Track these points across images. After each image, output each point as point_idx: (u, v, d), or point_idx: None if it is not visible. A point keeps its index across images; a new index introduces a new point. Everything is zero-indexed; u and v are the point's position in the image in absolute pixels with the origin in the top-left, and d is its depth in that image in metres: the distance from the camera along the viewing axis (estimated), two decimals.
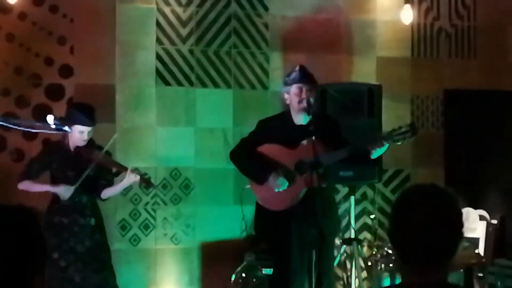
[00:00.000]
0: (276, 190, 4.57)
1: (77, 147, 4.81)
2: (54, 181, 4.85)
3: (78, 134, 4.76)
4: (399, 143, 4.43)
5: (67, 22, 5.95)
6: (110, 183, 4.94)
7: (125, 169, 4.77)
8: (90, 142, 4.84)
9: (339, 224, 5.27)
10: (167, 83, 6.18)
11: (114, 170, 4.93)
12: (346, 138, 4.65)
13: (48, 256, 4.78)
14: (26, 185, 4.85)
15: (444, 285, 2.07)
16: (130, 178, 4.72)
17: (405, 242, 2.06)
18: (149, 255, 6.07)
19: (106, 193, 4.93)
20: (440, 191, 2.12)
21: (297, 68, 4.72)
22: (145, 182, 4.77)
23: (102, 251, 4.91)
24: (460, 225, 2.09)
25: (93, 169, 4.75)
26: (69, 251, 4.76)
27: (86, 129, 4.76)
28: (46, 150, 5.04)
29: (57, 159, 4.84)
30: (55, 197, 4.83)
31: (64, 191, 4.75)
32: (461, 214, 2.10)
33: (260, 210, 4.73)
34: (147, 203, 6.10)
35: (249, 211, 5.26)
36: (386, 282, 5.66)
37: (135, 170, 4.73)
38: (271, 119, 4.87)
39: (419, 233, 2.03)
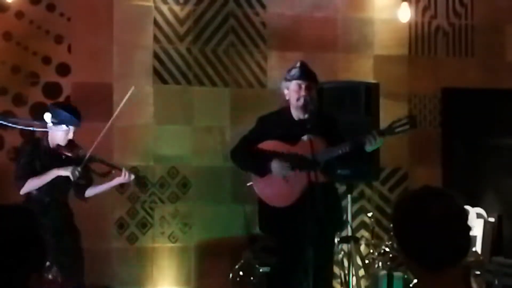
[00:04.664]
0: (282, 176, 4.53)
1: (59, 146, 4.72)
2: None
3: (63, 133, 4.71)
4: (400, 134, 4.47)
5: (64, 20, 5.95)
6: (90, 183, 4.85)
7: (119, 168, 4.71)
8: (70, 141, 4.78)
9: (342, 220, 5.20)
10: (164, 82, 6.18)
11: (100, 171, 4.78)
12: (344, 138, 4.63)
13: None
14: (33, 183, 4.68)
15: None
16: (124, 178, 4.67)
17: (424, 245, 2.08)
18: (146, 254, 6.07)
19: (92, 192, 4.86)
20: (440, 191, 2.15)
21: (298, 64, 4.68)
22: (140, 182, 4.74)
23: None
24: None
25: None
26: None
27: (73, 129, 4.74)
28: (30, 147, 4.84)
29: (40, 157, 4.74)
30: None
31: (72, 171, 4.59)
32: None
33: (264, 207, 4.71)
34: (144, 202, 6.09)
35: (249, 209, 5.27)
36: (384, 280, 5.66)
37: (133, 169, 4.71)
38: (270, 115, 4.82)
39: (439, 234, 2.08)
